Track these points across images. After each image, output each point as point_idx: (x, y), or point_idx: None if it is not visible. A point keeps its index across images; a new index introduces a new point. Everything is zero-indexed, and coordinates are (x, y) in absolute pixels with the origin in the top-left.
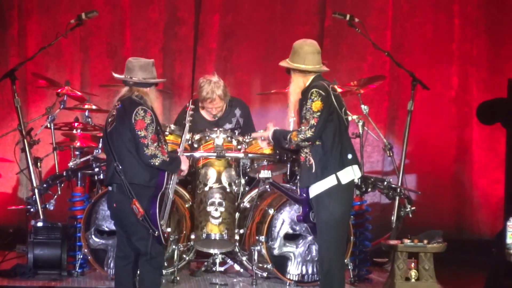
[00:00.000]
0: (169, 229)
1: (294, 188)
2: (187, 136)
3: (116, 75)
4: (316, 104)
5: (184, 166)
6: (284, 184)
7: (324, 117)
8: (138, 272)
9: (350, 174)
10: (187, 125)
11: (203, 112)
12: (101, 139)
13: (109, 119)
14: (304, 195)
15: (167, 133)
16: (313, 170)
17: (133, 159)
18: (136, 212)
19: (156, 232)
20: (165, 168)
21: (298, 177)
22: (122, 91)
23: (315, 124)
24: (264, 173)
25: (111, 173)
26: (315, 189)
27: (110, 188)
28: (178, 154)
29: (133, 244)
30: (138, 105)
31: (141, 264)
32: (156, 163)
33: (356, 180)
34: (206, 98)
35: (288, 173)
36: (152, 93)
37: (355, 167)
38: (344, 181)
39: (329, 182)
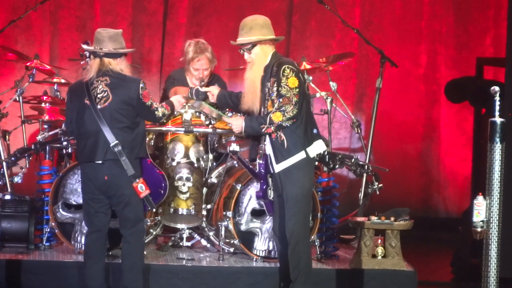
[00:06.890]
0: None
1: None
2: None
3: (85, 47)
4: (292, 80)
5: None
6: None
7: (302, 93)
8: (121, 246)
9: (317, 148)
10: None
11: (188, 78)
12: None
13: (98, 95)
14: (262, 170)
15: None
16: (285, 146)
17: (129, 135)
18: (141, 191)
19: (154, 209)
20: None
21: (259, 152)
22: (94, 65)
23: (297, 100)
24: (233, 147)
25: (101, 149)
26: (284, 164)
27: (98, 162)
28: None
29: (106, 218)
30: (135, 80)
31: (129, 236)
32: (165, 117)
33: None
34: (193, 58)
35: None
36: (123, 63)
37: (320, 141)
38: (311, 154)
39: (298, 156)
